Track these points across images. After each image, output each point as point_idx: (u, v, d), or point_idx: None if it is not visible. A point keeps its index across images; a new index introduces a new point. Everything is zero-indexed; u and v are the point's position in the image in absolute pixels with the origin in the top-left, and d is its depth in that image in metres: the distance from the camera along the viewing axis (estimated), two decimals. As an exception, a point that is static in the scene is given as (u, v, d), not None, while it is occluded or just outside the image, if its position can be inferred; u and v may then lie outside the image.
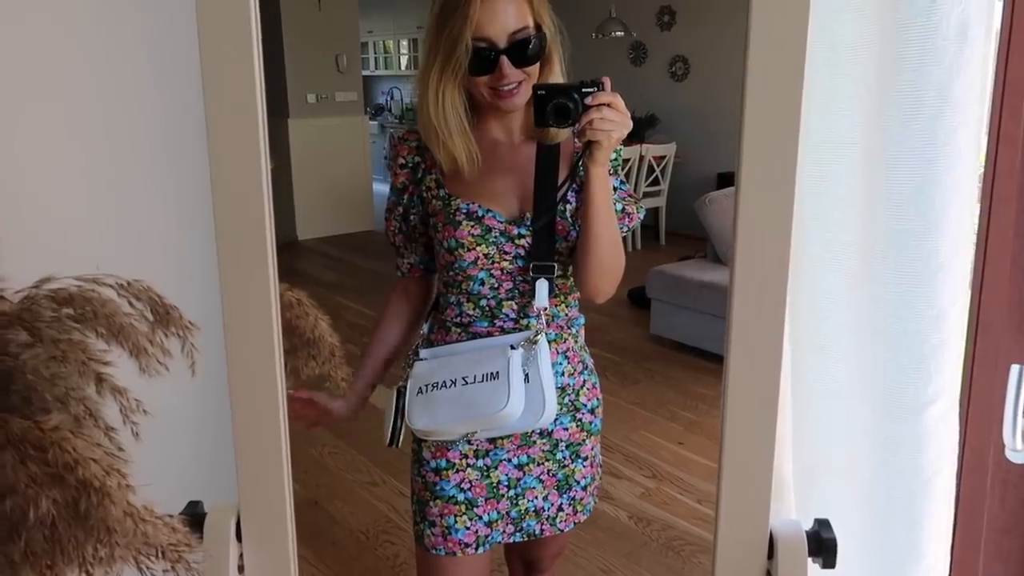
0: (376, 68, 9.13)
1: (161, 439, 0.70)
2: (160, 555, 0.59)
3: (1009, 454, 1.04)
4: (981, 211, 1.10)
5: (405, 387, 1.22)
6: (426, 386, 1.18)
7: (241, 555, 0.82)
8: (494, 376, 1.13)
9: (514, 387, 1.11)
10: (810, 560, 0.78)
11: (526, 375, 1.14)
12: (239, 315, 0.75)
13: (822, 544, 0.77)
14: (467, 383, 1.14)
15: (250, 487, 0.80)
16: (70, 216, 0.88)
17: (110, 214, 0.91)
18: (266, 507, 0.80)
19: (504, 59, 1.08)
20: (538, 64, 1.13)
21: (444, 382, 1.16)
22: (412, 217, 1.24)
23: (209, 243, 0.73)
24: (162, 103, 0.92)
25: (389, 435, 1.25)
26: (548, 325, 1.20)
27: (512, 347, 1.15)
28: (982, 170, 1.06)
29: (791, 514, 1.07)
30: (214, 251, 0.73)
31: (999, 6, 0.99)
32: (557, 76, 1.16)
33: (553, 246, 1.16)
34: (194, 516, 0.80)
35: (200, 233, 0.80)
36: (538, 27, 1.12)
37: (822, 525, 0.79)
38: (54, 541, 0.55)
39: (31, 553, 0.55)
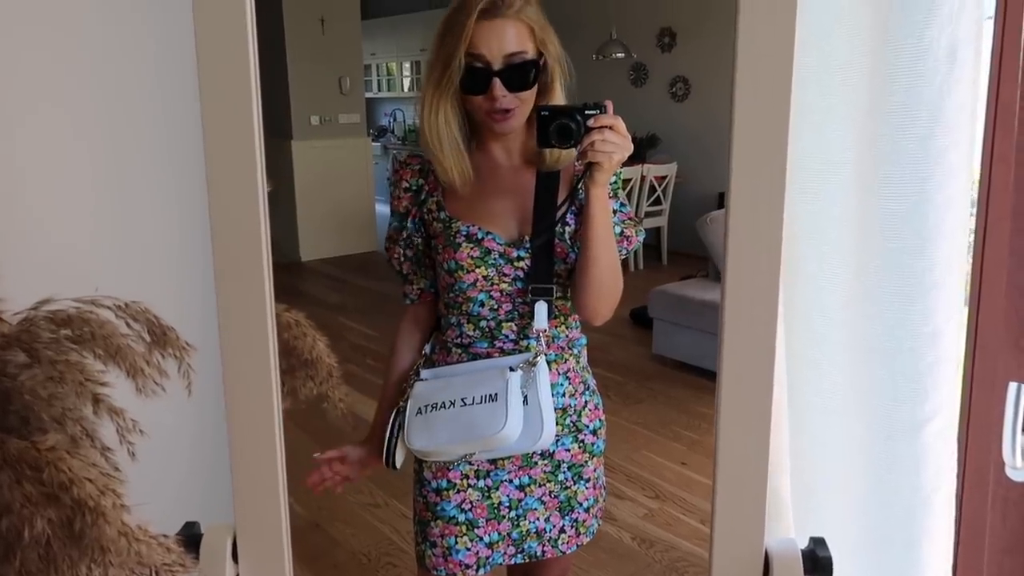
0: (379, 90, 9.20)
1: (158, 459, 0.70)
2: (154, 575, 0.59)
3: (1010, 472, 1.04)
4: (976, 230, 1.11)
5: (404, 407, 1.22)
6: (425, 406, 1.19)
7: (238, 575, 0.82)
8: (492, 398, 1.13)
9: (512, 409, 1.12)
10: (806, 579, 0.78)
11: (525, 397, 1.14)
12: (236, 336, 0.76)
13: (817, 563, 0.77)
14: (466, 404, 1.15)
15: (246, 507, 0.80)
16: (69, 239, 0.89)
17: (109, 237, 0.92)
18: (262, 527, 0.80)
19: (496, 80, 1.09)
20: (534, 90, 1.13)
21: (443, 403, 1.17)
22: (417, 241, 1.24)
23: (207, 264, 0.74)
24: (161, 124, 0.93)
25: (385, 456, 1.25)
26: (548, 346, 1.20)
27: (511, 369, 1.15)
28: (975, 189, 1.07)
29: (789, 532, 1.06)
30: (211, 272, 0.74)
31: (988, 27, 1.01)
32: (558, 102, 1.17)
33: (552, 268, 1.17)
34: (190, 536, 0.80)
35: (197, 254, 0.81)
36: (540, 54, 1.13)
37: (817, 543, 0.78)
38: (49, 560, 0.56)
39: (26, 572, 0.56)
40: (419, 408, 1.19)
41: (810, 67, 0.98)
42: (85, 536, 0.54)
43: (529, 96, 1.13)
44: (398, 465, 1.26)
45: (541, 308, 1.16)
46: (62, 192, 0.91)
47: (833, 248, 1.05)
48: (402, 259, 1.26)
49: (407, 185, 1.23)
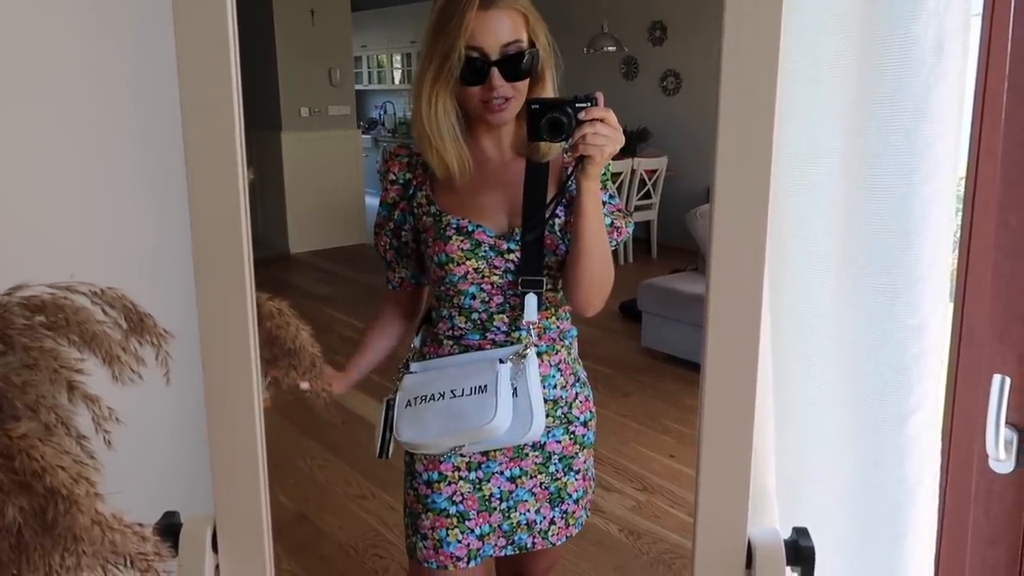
0: (369, 82, 9.17)
1: (135, 448, 0.69)
2: (129, 564, 0.58)
3: (993, 464, 1.04)
4: (963, 222, 1.11)
5: (394, 400, 1.22)
6: (415, 399, 1.19)
7: (217, 566, 0.81)
8: (482, 389, 1.13)
9: (501, 401, 1.11)
10: (788, 569, 0.78)
11: (514, 389, 1.14)
12: (215, 324, 0.75)
13: (800, 553, 0.77)
14: (455, 396, 1.15)
15: (226, 497, 0.79)
16: (44, 224, 0.87)
17: (85, 222, 0.91)
18: (242, 518, 0.80)
19: (495, 71, 1.09)
20: (528, 80, 1.13)
21: (432, 395, 1.17)
22: (404, 233, 1.24)
23: (185, 251, 0.73)
24: (138, 110, 0.92)
25: (379, 447, 1.25)
26: (540, 338, 1.20)
27: (501, 361, 1.15)
28: (962, 181, 1.07)
29: (774, 524, 1.06)
30: (190, 258, 0.73)
31: (976, 21, 1.01)
32: (549, 94, 1.16)
33: (542, 261, 1.17)
34: (170, 526, 0.79)
35: (176, 240, 0.80)
36: (531, 43, 1.13)
37: (800, 534, 0.78)
38: (20, 549, 0.55)
39: (-3, 562, 0.55)
40: (408, 400, 1.19)
41: (797, 59, 0.98)
42: (58, 525, 0.54)
43: (524, 86, 1.13)
44: (390, 456, 1.25)
45: (531, 300, 1.16)
46: (37, 177, 0.90)
47: (819, 241, 1.05)
48: (387, 247, 1.27)
49: (394, 177, 1.23)
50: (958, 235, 1.14)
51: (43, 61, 0.90)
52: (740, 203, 0.72)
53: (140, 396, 0.68)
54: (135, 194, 0.95)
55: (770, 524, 1.06)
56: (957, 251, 1.13)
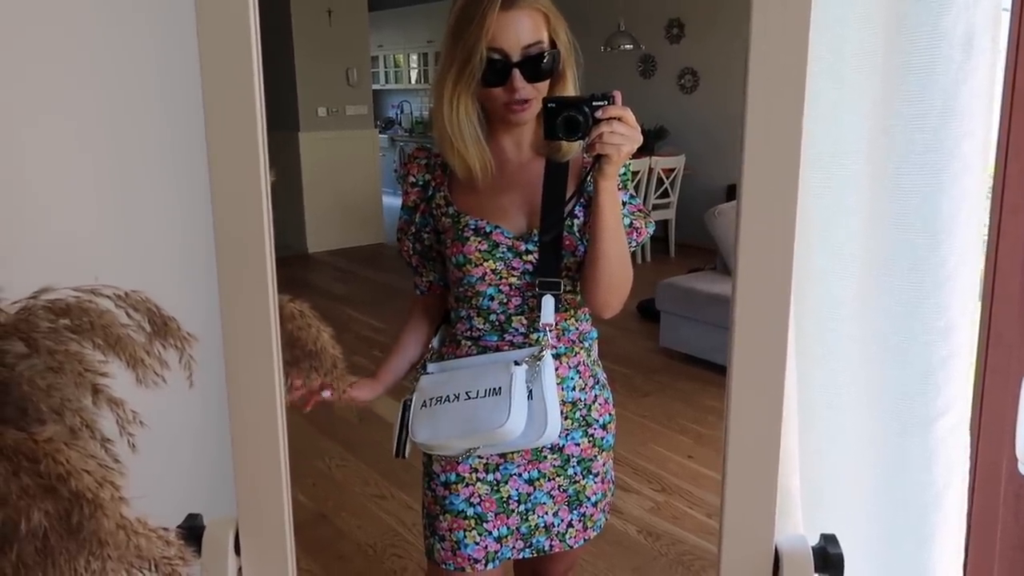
0: (386, 82, 9.19)
1: (159, 451, 0.69)
2: (153, 568, 0.58)
3: (1022, 468, 1.02)
4: (990, 222, 1.09)
5: (411, 400, 1.22)
6: (430, 400, 1.18)
7: (240, 569, 0.81)
8: (496, 392, 1.12)
9: (516, 403, 1.11)
10: (816, 576, 0.77)
11: (530, 391, 1.13)
12: (238, 326, 0.75)
13: (828, 560, 0.75)
14: (470, 398, 1.14)
15: (248, 500, 0.79)
16: (69, 228, 0.88)
17: (109, 226, 0.92)
18: (265, 520, 0.80)
19: (516, 72, 1.09)
20: (548, 81, 1.13)
21: (448, 396, 1.16)
22: (426, 236, 1.24)
23: (208, 253, 0.73)
24: (163, 114, 0.92)
25: (396, 447, 1.25)
26: (559, 340, 1.19)
27: (516, 363, 1.14)
28: (991, 180, 1.05)
29: (798, 529, 1.05)
30: (213, 261, 0.73)
31: (1006, 17, 0.99)
32: (570, 93, 1.16)
33: (559, 262, 1.16)
34: (193, 529, 0.79)
35: (200, 244, 0.80)
36: (552, 43, 1.12)
37: (828, 540, 0.77)
38: (46, 554, 0.55)
39: (23, 565, 0.55)
40: (424, 401, 1.19)
41: (822, 55, 0.96)
42: (83, 529, 0.54)
43: (545, 86, 1.13)
44: (407, 455, 1.25)
45: (547, 302, 1.15)
46: (62, 181, 0.90)
47: (844, 241, 1.04)
48: (412, 252, 1.26)
49: (414, 180, 1.23)
50: (986, 235, 1.12)
51: (67, 67, 0.90)
52: (767, 203, 0.71)
53: (162, 399, 0.68)
54: (158, 198, 0.95)
55: (794, 527, 1.05)
56: (985, 251, 1.11)
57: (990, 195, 1.08)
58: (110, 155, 0.94)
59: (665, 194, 5.22)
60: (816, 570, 0.75)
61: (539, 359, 1.14)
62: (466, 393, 1.15)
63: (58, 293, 0.64)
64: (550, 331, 1.16)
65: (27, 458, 0.54)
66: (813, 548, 0.76)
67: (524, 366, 1.14)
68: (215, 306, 0.75)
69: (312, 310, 0.95)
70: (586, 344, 1.25)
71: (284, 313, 0.87)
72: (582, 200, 1.16)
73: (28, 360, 0.62)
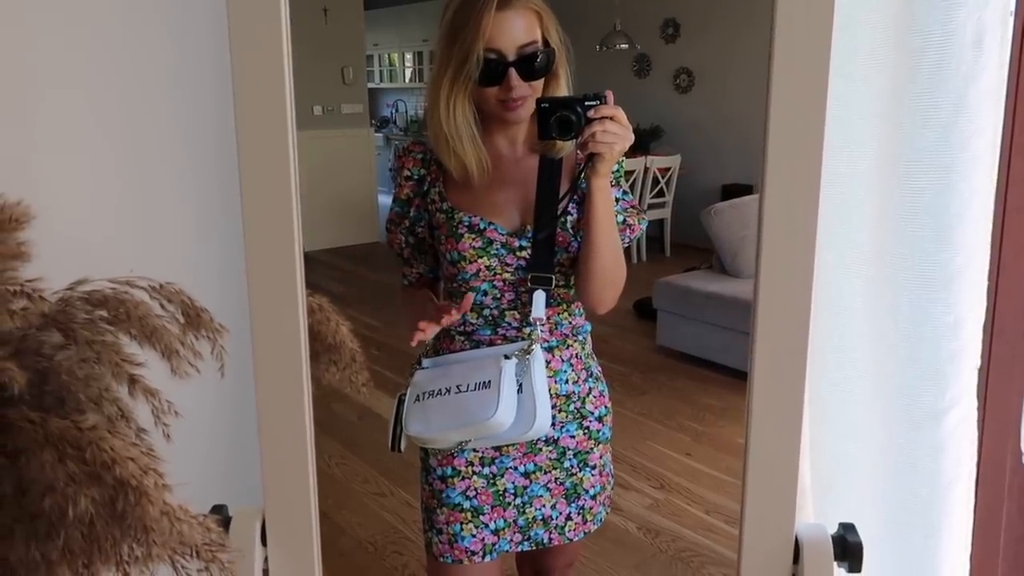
0: (381, 81, 9.17)
1: (190, 441, 0.70)
2: (195, 555, 0.59)
3: (1026, 461, 1.04)
4: (994, 220, 1.11)
5: (406, 395, 1.23)
6: (423, 394, 1.19)
7: (266, 559, 0.82)
8: (486, 385, 1.13)
9: (504, 396, 1.12)
10: (835, 565, 0.78)
11: (519, 385, 1.14)
12: (266, 321, 0.76)
13: (847, 548, 0.77)
14: (460, 391, 1.15)
15: (275, 491, 0.80)
16: (105, 220, 0.88)
17: (144, 219, 0.92)
18: (291, 511, 0.81)
19: (512, 71, 1.09)
20: (543, 79, 1.14)
21: (439, 390, 1.17)
22: (419, 230, 1.25)
23: (239, 247, 0.73)
24: (195, 112, 0.93)
25: (391, 440, 1.25)
26: (551, 333, 1.21)
27: (506, 357, 1.15)
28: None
29: (809, 518, 1.06)
30: (242, 255, 0.74)
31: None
32: (563, 91, 1.17)
33: (552, 258, 1.17)
34: (218, 520, 0.80)
35: (230, 237, 0.81)
36: (546, 42, 1.13)
37: (847, 529, 0.79)
38: (92, 540, 0.56)
39: (69, 551, 0.56)
40: (417, 396, 1.20)
41: (834, 53, 0.97)
42: (128, 516, 0.54)
43: (540, 84, 1.14)
44: (402, 449, 1.26)
45: (539, 297, 1.16)
46: (97, 174, 0.91)
47: (853, 237, 1.05)
48: (404, 244, 1.27)
49: (408, 173, 1.23)
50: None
51: (99, 63, 0.91)
52: (790, 205, 0.72)
53: (191, 390, 0.69)
54: (190, 192, 0.96)
55: (805, 518, 1.06)
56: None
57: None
58: (142, 147, 0.94)
59: (661, 193, 5.24)
60: (835, 558, 0.77)
61: (529, 353, 1.15)
62: (456, 386, 1.16)
63: (94, 284, 0.65)
64: (541, 325, 1.17)
65: (72, 446, 0.55)
66: (832, 536, 0.78)
67: (514, 360, 1.15)
68: (243, 298, 0.75)
69: (331, 304, 0.96)
70: (580, 337, 1.26)
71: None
72: (576, 197, 1.18)
73: (66, 351, 0.63)
